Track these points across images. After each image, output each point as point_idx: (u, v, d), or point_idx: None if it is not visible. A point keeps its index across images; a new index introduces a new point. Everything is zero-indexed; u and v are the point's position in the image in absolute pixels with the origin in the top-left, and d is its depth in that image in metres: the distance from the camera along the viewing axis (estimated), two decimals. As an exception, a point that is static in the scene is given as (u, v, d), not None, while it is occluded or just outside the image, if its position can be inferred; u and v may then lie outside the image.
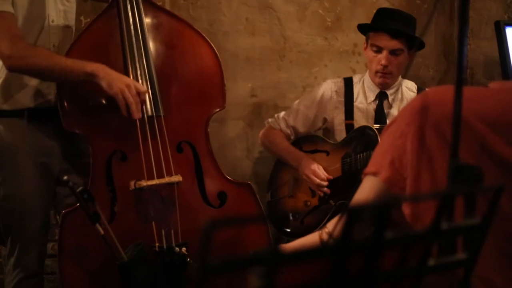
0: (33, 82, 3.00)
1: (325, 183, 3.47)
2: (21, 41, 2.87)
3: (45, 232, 3.11)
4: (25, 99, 2.99)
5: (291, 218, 3.64)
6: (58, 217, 3.14)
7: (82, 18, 3.77)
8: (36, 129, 3.02)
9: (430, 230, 1.06)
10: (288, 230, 3.63)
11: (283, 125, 3.69)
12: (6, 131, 2.99)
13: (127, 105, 2.85)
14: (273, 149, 3.73)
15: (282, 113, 3.74)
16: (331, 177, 3.48)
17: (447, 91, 1.70)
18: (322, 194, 3.48)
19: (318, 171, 3.48)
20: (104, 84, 2.83)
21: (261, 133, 3.79)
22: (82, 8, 3.53)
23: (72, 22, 3.15)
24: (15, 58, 2.83)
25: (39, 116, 3.03)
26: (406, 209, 1.70)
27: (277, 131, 3.70)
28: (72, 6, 3.15)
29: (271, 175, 3.82)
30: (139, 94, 2.87)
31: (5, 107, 2.98)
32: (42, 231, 3.07)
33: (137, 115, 2.88)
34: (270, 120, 3.76)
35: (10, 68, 2.87)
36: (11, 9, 2.85)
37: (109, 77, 2.84)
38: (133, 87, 2.86)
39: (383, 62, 3.44)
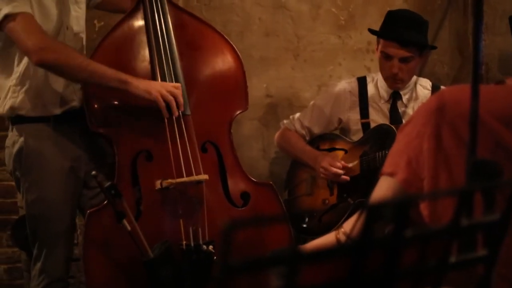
0: (58, 89, 3.01)
1: (341, 171, 3.45)
2: (50, 37, 2.88)
3: (72, 236, 3.12)
4: (51, 106, 3.00)
5: (308, 216, 3.64)
6: (82, 218, 3.16)
7: (95, 22, 3.79)
8: (62, 133, 3.03)
9: (450, 227, 1.06)
10: (306, 228, 3.63)
11: (298, 126, 3.69)
12: (33, 137, 2.99)
13: (167, 105, 2.92)
14: (289, 150, 3.73)
15: (297, 114, 3.74)
16: (347, 165, 3.47)
17: (462, 90, 1.69)
18: (342, 180, 3.47)
19: (334, 161, 3.48)
20: (140, 91, 2.87)
21: (276, 135, 3.79)
22: (95, 12, 3.54)
23: (83, 28, 3.15)
24: (47, 51, 2.80)
25: (64, 120, 3.03)
26: (425, 210, 1.69)
27: (293, 132, 3.70)
28: (83, 13, 3.15)
29: (289, 173, 3.81)
30: (176, 88, 2.95)
31: (32, 113, 2.98)
32: (69, 235, 3.07)
33: (181, 108, 2.96)
34: (285, 121, 3.76)
35: (40, 61, 2.80)
36: (31, 12, 2.85)
37: (144, 85, 2.89)
38: (168, 85, 2.94)
39: (393, 70, 3.42)
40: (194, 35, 3.18)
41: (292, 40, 4.17)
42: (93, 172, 2.61)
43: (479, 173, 1.36)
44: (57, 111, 3.01)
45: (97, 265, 2.97)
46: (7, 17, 2.81)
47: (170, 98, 2.90)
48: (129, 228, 2.65)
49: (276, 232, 3.10)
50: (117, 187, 2.66)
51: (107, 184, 2.62)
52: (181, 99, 2.94)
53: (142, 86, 2.88)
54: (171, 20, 3.11)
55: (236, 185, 3.16)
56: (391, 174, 1.79)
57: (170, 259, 2.81)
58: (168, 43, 3.07)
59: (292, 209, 3.70)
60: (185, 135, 3.01)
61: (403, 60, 3.40)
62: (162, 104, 2.89)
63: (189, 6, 3.95)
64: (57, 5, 2.97)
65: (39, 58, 2.80)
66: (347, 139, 3.61)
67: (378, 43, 3.49)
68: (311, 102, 3.75)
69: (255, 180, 3.21)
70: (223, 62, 3.21)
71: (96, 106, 3.00)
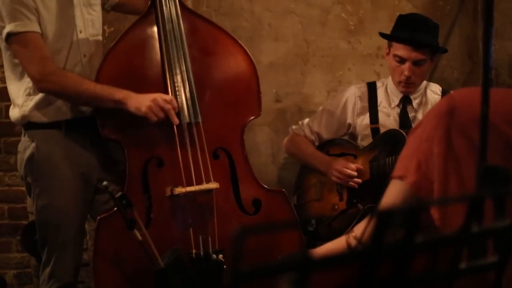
0: None
1: (355, 173, 3.45)
2: (51, 63, 2.91)
3: (81, 242, 3.13)
4: (62, 111, 3.01)
5: (316, 221, 3.63)
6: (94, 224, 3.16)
7: (105, 28, 3.79)
8: (73, 139, 3.04)
9: (460, 233, 1.06)
10: (312, 232, 3.62)
11: (307, 132, 3.68)
12: (44, 143, 3.00)
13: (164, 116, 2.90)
14: (299, 155, 3.72)
15: (306, 120, 3.73)
16: (361, 167, 3.47)
17: (473, 93, 1.69)
18: (355, 185, 3.46)
19: (347, 164, 3.48)
20: (133, 110, 2.88)
21: (285, 140, 3.78)
22: (105, 18, 3.54)
23: (99, 31, 3.15)
24: (45, 82, 2.89)
25: (75, 126, 3.04)
26: (435, 213, 1.69)
27: (302, 137, 3.69)
28: (99, 15, 3.15)
29: (298, 178, 3.80)
30: (168, 102, 2.91)
31: (43, 119, 3.00)
32: (78, 241, 3.08)
33: (174, 121, 2.93)
34: (294, 127, 3.75)
35: (40, 90, 2.93)
36: (38, 29, 2.88)
37: (136, 102, 2.88)
38: (159, 98, 2.90)
39: (406, 73, 3.40)
40: (207, 40, 3.15)
41: (302, 45, 4.17)
42: (105, 183, 2.61)
43: (489, 179, 1.35)
44: (68, 116, 3.02)
45: (105, 271, 2.96)
46: (10, 35, 2.86)
47: (162, 115, 2.89)
48: (140, 238, 2.65)
49: (288, 239, 3.09)
50: (128, 197, 2.65)
51: (118, 194, 2.62)
52: (172, 113, 2.92)
53: (134, 103, 2.88)
54: (183, 24, 3.08)
55: (247, 192, 3.13)
56: (401, 178, 1.79)
57: (181, 268, 2.80)
58: (181, 48, 3.04)
59: (301, 214, 3.69)
60: (196, 142, 3.00)
61: (416, 63, 3.39)
62: (154, 118, 2.88)
63: (198, 12, 3.95)
64: (66, 8, 2.98)
65: (39, 88, 2.93)
66: (357, 144, 3.60)
67: (389, 47, 3.48)
68: (321, 107, 3.75)
69: (267, 187, 3.18)
70: (236, 67, 3.18)
71: (107, 112, 2.98)
